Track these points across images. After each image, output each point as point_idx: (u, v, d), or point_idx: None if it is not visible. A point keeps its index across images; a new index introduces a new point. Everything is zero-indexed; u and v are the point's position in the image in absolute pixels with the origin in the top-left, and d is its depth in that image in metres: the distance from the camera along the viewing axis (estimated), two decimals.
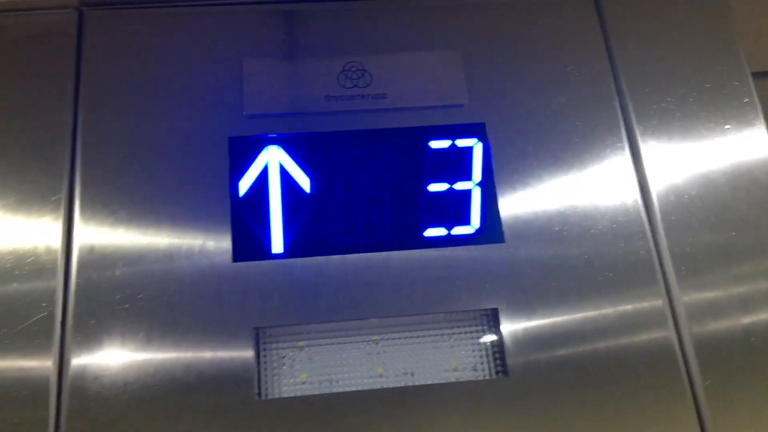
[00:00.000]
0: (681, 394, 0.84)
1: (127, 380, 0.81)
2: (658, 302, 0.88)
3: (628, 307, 0.88)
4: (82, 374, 0.81)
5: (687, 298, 0.88)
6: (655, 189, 0.93)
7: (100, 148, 0.91)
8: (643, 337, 0.86)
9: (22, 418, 0.78)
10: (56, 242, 0.86)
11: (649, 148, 0.95)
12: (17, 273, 0.84)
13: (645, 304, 0.88)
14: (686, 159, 0.95)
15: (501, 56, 1.00)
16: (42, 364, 0.81)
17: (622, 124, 0.97)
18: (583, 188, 0.93)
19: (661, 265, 0.89)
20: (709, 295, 0.88)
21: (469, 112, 0.96)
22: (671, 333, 0.86)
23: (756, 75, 1.01)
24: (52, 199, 0.88)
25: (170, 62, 0.97)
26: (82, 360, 0.81)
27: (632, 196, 0.93)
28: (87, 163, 0.90)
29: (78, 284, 0.84)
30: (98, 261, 0.85)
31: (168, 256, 0.86)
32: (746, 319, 0.88)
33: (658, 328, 0.87)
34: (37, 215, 0.87)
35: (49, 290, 0.84)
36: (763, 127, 0.97)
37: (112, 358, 0.82)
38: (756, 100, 0.99)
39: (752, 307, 0.88)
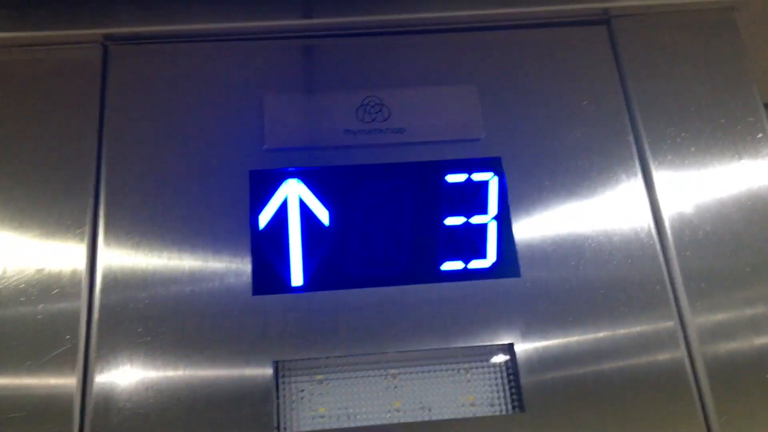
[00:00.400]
0: (694, 418, 0.85)
1: (148, 413, 0.82)
2: (673, 333, 0.88)
3: (642, 340, 0.88)
4: (105, 405, 0.82)
5: (698, 320, 0.88)
6: (670, 223, 0.94)
7: (124, 180, 0.93)
8: (657, 366, 0.87)
9: None
10: (80, 273, 0.88)
11: (663, 181, 0.96)
12: (41, 306, 0.86)
13: (661, 334, 0.88)
14: (700, 193, 0.96)
15: (517, 90, 1.01)
16: (66, 390, 0.82)
17: (636, 158, 0.98)
18: (599, 222, 0.94)
19: (676, 299, 0.90)
20: (721, 321, 0.89)
21: (485, 146, 0.98)
22: (684, 357, 0.87)
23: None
24: (77, 231, 0.90)
25: (192, 96, 0.99)
26: (105, 388, 0.83)
27: (646, 230, 0.94)
28: (111, 196, 0.92)
29: (101, 316, 0.86)
30: (121, 292, 0.87)
31: (189, 288, 0.88)
32: (758, 340, 0.88)
33: (671, 351, 0.87)
34: (61, 247, 0.88)
35: (73, 321, 0.85)
36: None
37: (133, 390, 0.83)
38: None
39: (764, 329, 0.88)
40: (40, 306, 0.86)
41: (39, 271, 0.87)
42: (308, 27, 1.04)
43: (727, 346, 0.88)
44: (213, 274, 0.89)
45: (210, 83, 1.00)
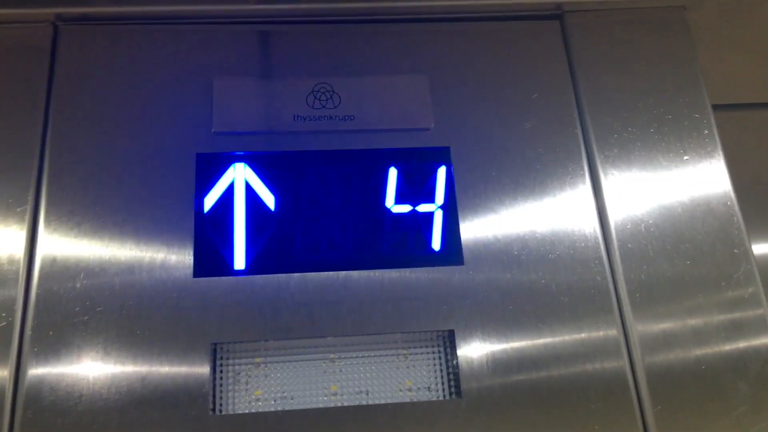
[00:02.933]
0: (631, 422, 0.85)
1: (82, 392, 0.81)
2: (613, 330, 0.89)
3: (582, 334, 0.89)
4: (39, 385, 0.81)
5: (641, 327, 0.89)
6: (614, 217, 0.95)
7: (69, 160, 0.92)
8: (596, 364, 0.88)
9: None
10: (19, 253, 0.87)
11: (609, 176, 0.97)
12: None
13: (600, 332, 0.89)
14: (645, 188, 0.97)
15: (468, 82, 1.02)
16: None
17: (583, 152, 0.99)
18: (543, 214, 0.95)
19: (617, 293, 0.91)
20: (663, 325, 0.90)
21: (434, 136, 0.98)
22: (624, 362, 0.88)
23: (716, 107, 1.03)
24: (18, 210, 0.89)
25: (142, 78, 0.98)
26: (39, 371, 0.82)
27: (591, 224, 0.94)
28: (54, 175, 0.91)
29: (38, 295, 0.85)
30: (60, 272, 0.86)
31: (129, 269, 0.87)
32: (698, 351, 0.89)
33: (611, 356, 0.88)
34: (1, 226, 0.87)
35: (10, 300, 0.84)
36: (721, 160, 0.99)
37: (69, 369, 0.82)
38: (715, 132, 1.01)
39: (704, 339, 0.90)
40: None
41: None
42: (263, 12, 1.04)
43: (668, 356, 0.89)
44: (154, 257, 0.88)
45: (161, 66, 0.99)
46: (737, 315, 0.91)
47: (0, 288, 0.85)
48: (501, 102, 1.01)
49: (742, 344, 0.90)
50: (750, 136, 1.40)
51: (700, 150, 1.00)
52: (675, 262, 0.93)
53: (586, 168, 0.98)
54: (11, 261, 0.86)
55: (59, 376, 0.82)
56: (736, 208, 0.97)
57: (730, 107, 1.34)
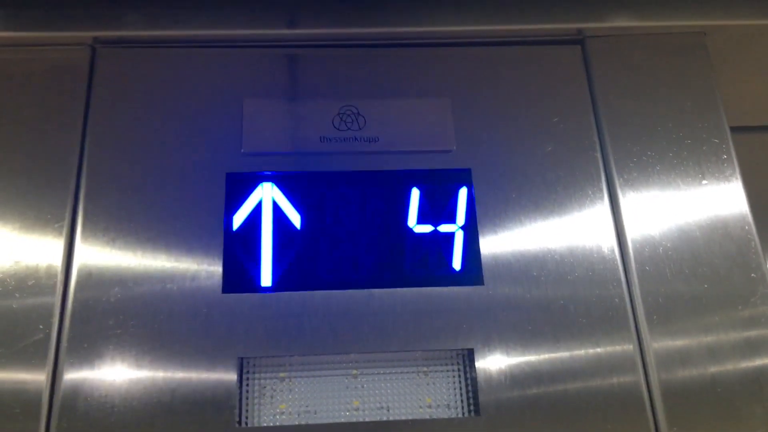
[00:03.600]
0: None
1: (114, 402, 0.85)
2: (629, 347, 0.91)
3: (600, 351, 0.91)
4: (73, 394, 0.85)
5: (657, 345, 0.91)
6: (632, 239, 0.96)
7: (104, 178, 0.96)
8: (613, 381, 0.89)
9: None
10: (57, 266, 0.90)
11: (627, 199, 0.99)
12: (18, 295, 0.88)
13: (617, 348, 0.91)
14: (663, 211, 0.98)
15: (490, 105, 1.04)
16: (36, 380, 0.85)
17: (603, 175, 1.01)
18: (563, 235, 0.97)
19: (635, 315, 0.93)
20: (679, 343, 0.91)
21: (456, 158, 1.01)
22: (640, 378, 0.89)
23: (734, 129, 1.05)
24: (56, 225, 0.93)
25: (175, 99, 1.02)
26: (74, 380, 0.85)
27: (609, 245, 0.96)
28: (90, 193, 0.95)
29: (74, 308, 0.89)
30: (95, 286, 0.90)
31: (161, 284, 0.91)
32: (714, 368, 0.90)
33: (627, 373, 0.89)
34: (40, 240, 0.91)
35: (47, 312, 0.88)
36: (739, 184, 1.01)
37: (102, 380, 0.86)
38: (734, 156, 1.02)
39: (720, 357, 0.91)
40: (17, 294, 0.88)
41: (16, 261, 0.90)
42: (292, 37, 1.07)
43: (683, 373, 0.91)
44: (185, 272, 0.92)
45: (193, 87, 1.03)
46: (753, 335, 0.92)
47: (38, 300, 0.88)
48: (522, 125, 1.03)
49: (758, 363, 0.91)
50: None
51: (719, 174, 1.01)
52: (692, 284, 0.94)
53: (605, 191, 1.00)
54: (49, 275, 0.90)
55: (93, 385, 0.85)
56: (754, 231, 0.98)
57: (749, 129, 1.35)
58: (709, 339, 0.92)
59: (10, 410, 0.84)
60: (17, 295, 0.89)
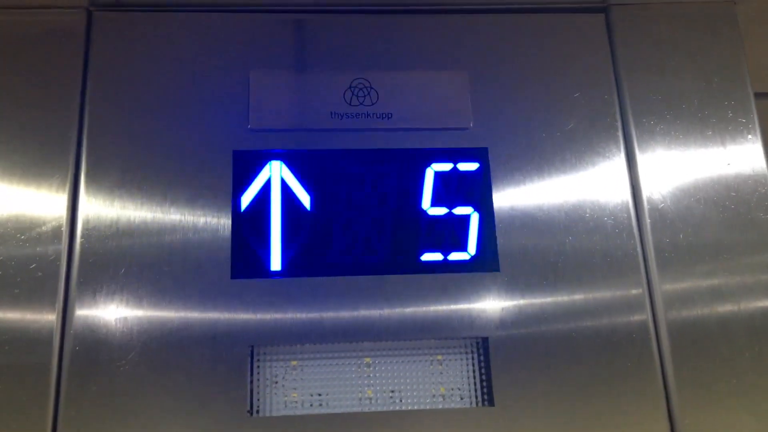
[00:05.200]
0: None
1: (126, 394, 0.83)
2: (642, 324, 0.89)
3: (615, 340, 0.89)
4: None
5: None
6: (651, 224, 0.94)
7: (104, 149, 0.92)
8: (628, 370, 0.88)
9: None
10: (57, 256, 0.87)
11: (647, 179, 0.95)
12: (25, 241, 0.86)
13: (634, 339, 0.89)
14: (683, 190, 0.95)
15: (508, 79, 0.99)
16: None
17: (623, 153, 0.97)
18: (582, 220, 0.94)
19: (653, 306, 0.91)
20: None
21: (473, 136, 0.97)
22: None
23: (759, 96, 1.01)
24: (56, 205, 0.89)
25: (177, 67, 0.97)
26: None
27: (629, 232, 0.93)
28: (90, 166, 0.91)
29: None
30: (99, 272, 0.87)
31: (168, 269, 0.88)
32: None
33: (641, 344, 0.89)
34: (39, 228, 0.88)
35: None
36: (764, 164, 0.97)
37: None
38: (759, 136, 0.99)
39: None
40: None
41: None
42: (300, 1, 1.01)
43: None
44: (193, 256, 0.89)
45: (196, 55, 0.98)
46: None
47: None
48: (541, 101, 0.99)
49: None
50: None
51: (743, 155, 0.98)
52: (712, 270, 0.92)
53: (626, 171, 0.96)
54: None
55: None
56: None
57: None
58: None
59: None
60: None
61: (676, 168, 0.96)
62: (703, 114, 0.99)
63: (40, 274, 0.86)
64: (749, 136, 0.99)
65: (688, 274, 0.92)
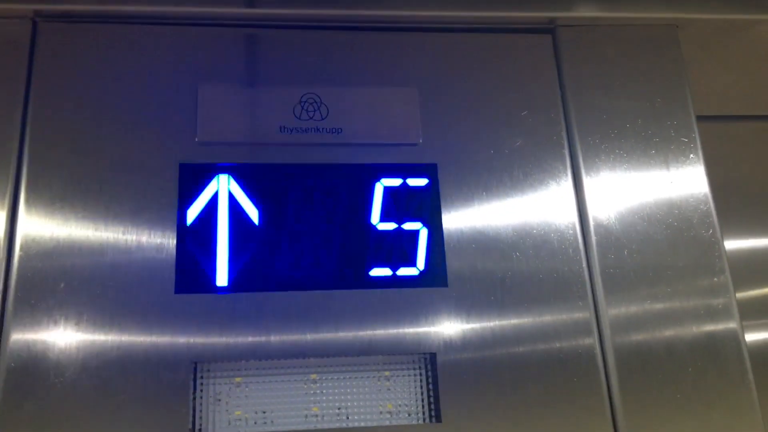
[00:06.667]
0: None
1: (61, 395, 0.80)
2: (590, 341, 0.90)
3: (562, 358, 0.90)
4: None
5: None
6: (597, 241, 0.95)
7: (46, 161, 0.90)
8: (575, 387, 0.89)
9: None
10: None
11: (593, 197, 0.97)
12: None
13: (580, 357, 0.90)
14: (628, 206, 0.97)
15: (457, 95, 1.00)
16: None
17: (569, 171, 0.98)
18: (529, 237, 0.94)
19: (599, 322, 0.92)
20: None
21: (422, 152, 0.97)
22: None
23: (700, 119, 1.03)
24: None
25: (123, 80, 0.95)
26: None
27: (575, 246, 0.95)
28: (31, 183, 0.89)
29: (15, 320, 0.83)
30: (38, 287, 0.84)
31: (111, 283, 0.86)
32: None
33: (588, 372, 0.89)
34: None
35: None
36: (705, 184, 1.00)
37: (46, 372, 0.81)
38: (700, 153, 1.01)
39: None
40: None
41: None
42: (251, 16, 1.01)
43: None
44: (136, 270, 0.87)
45: (144, 68, 0.96)
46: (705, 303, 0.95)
47: None
48: (490, 118, 1.00)
49: (709, 329, 0.93)
50: (733, 146, 1.41)
51: (685, 174, 1.00)
52: (657, 293, 0.94)
53: (571, 188, 0.98)
54: None
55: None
56: (712, 207, 0.98)
57: (714, 119, 1.35)
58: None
59: None
60: None
61: (621, 186, 0.98)
62: (647, 133, 1.01)
63: None
64: (691, 156, 1.01)
65: (633, 294, 0.93)
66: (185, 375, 0.83)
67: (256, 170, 0.93)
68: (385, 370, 0.89)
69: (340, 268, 0.91)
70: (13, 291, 0.84)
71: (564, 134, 1.00)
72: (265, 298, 0.88)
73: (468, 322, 0.90)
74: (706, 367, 0.92)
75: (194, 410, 0.83)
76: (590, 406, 0.89)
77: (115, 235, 0.88)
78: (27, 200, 0.88)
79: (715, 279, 0.96)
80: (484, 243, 0.93)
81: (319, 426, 0.85)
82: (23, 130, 0.91)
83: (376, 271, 0.91)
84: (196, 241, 0.89)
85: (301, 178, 0.94)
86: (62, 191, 0.89)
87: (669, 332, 0.93)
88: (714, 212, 0.98)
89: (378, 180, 0.95)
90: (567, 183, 0.98)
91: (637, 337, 0.92)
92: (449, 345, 0.88)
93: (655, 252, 0.96)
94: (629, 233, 0.96)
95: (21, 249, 0.86)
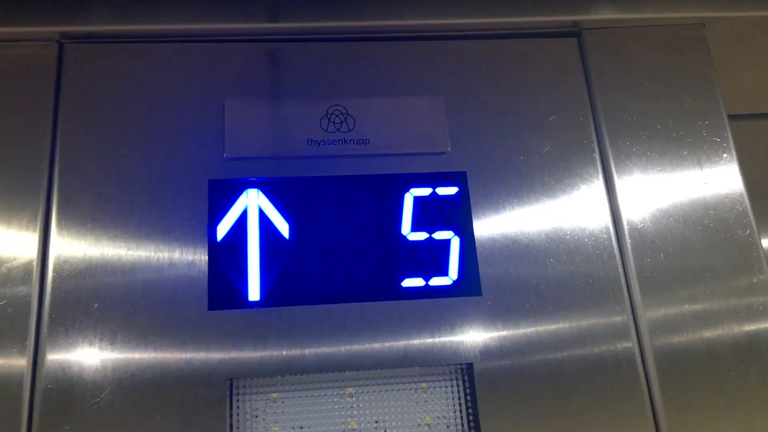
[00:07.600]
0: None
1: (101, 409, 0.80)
2: (628, 344, 0.88)
3: (601, 364, 0.88)
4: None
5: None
6: (632, 245, 0.93)
7: (77, 183, 0.90)
8: (615, 393, 0.87)
9: None
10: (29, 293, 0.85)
11: (626, 200, 0.95)
12: None
13: (620, 362, 0.88)
14: (662, 210, 0.95)
15: (484, 102, 1.00)
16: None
17: (601, 175, 0.97)
18: (563, 242, 0.93)
19: (636, 325, 0.90)
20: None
21: (451, 160, 0.96)
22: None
23: (731, 117, 1.02)
24: (26, 250, 0.87)
25: (151, 99, 0.96)
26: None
27: (608, 249, 0.93)
28: (62, 200, 0.89)
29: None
30: (72, 308, 0.84)
31: (144, 302, 0.85)
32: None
33: (629, 373, 0.87)
34: (9, 263, 0.85)
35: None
36: (740, 182, 0.98)
37: (84, 391, 0.81)
38: (733, 151, 0.99)
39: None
40: None
41: None
42: (274, 30, 1.01)
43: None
44: (168, 288, 0.86)
45: (170, 86, 0.97)
46: (744, 302, 0.93)
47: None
48: (518, 125, 0.99)
49: (750, 329, 0.92)
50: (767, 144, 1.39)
51: (719, 174, 0.98)
52: (695, 294, 0.92)
53: (604, 192, 0.96)
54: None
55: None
56: (748, 207, 0.96)
57: (745, 117, 1.33)
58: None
59: None
60: None
61: (654, 188, 0.97)
62: (678, 134, 1.00)
63: (10, 310, 0.84)
64: (725, 155, 0.99)
65: (671, 296, 0.92)
66: (221, 392, 0.82)
67: (285, 184, 0.93)
68: (422, 381, 0.88)
69: (372, 280, 0.90)
70: (48, 312, 0.84)
71: (594, 138, 0.99)
72: (298, 312, 0.87)
73: (504, 331, 0.88)
74: (748, 370, 0.90)
75: (231, 427, 0.83)
76: (632, 412, 0.87)
77: (147, 254, 0.88)
78: (59, 222, 0.88)
79: (755, 279, 0.94)
80: (517, 250, 0.92)
81: None
82: (53, 152, 0.92)
83: (409, 282, 0.90)
84: (227, 257, 0.89)
85: (330, 191, 0.93)
86: (93, 211, 0.89)
87: (709, 334, 0.91)
88: (750, 212, 0.96)
89: (407, 190, 0.94)
90: (599, 187, 0.96)
91: (677, 340, 0.90)
92: (486, 354, 0.87)
93: (692, 254, 0.94)
94: (664, 236, 0.94)
95: (54, 270, 0.86)
